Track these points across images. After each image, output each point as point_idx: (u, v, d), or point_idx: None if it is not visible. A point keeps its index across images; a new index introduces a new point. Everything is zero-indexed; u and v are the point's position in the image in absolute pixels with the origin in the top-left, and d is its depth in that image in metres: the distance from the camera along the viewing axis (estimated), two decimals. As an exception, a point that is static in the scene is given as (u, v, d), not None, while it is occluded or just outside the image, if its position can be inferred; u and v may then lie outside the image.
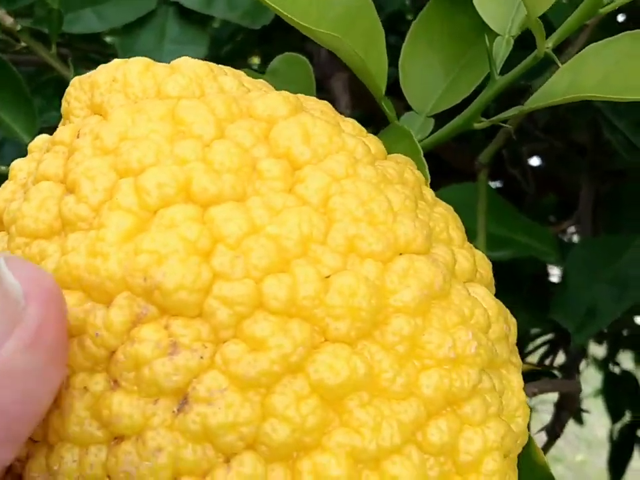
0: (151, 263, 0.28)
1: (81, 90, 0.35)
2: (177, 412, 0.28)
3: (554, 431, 0.77)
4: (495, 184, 1.13)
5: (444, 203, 0.38)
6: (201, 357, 0.28)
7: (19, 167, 0.35)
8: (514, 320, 0.38)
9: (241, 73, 0.38)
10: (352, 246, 0.30)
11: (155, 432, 0.28)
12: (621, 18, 0.95)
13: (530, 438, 0.50)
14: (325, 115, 0.35)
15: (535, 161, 1.17)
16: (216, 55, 1.01)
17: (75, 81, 0.36)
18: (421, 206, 0.34)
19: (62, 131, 0.34)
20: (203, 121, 0.31)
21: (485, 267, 0.37)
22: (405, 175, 0.35)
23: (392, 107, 0.48)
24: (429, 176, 0.42)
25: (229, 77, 0.35)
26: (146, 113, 0.32)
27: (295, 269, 0.29)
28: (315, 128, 0.32)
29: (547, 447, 0.79)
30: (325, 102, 0.38)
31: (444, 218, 0.35)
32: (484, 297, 0.33)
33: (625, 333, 1.24)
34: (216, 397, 0.27)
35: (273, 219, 0.29)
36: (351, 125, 0.36)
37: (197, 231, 0.28)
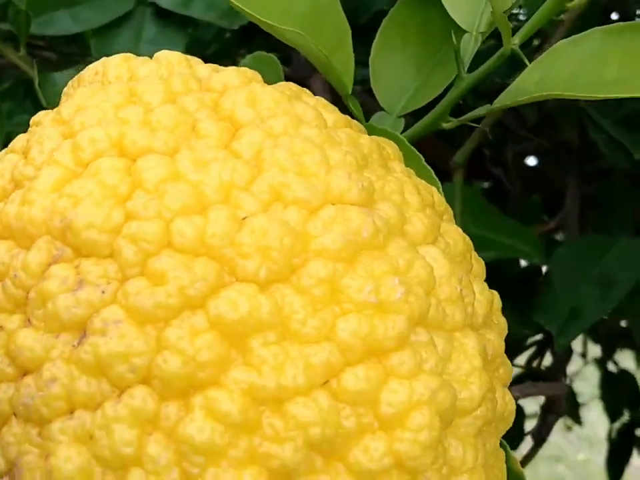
0: (68, 206, 0.29)
1: (70, 87, 0.37)
2: (76, 346, 0.28)
3: (540, 434, 0.76)
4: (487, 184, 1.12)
5: (418, 179, 0.38)
6: (103, 292, 0.28)
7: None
8: (495, 293, 0.37)
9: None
10: (277, 194, 0.30)
11: (51, 364, 0.28)
12: (615, 16, 0.94)
13: (504, 445, 0.49)
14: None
15: (531, 161, 1.16)
16: (201, 56, 1.00)
17: (69, 82, 0.38)
18: (372, 167, 0.34)
19: (42, 114, 0.35)
20: (153, 90, 0.33)
21: (457, 238, 0.35)
22: (361, 140, 0.35)
23: (358, 105, 0.47)
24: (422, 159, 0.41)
25: (204, 66, 0.37)
26: (106, 89, 0.33)
27: (209, 212, 0.29)
28: (263, 94, 0.33)
29: (533, 451, 0.77)
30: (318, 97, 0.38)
31: (399, 182, 0.34)
32: (435, 257, 0.32)
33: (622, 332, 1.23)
34: (110, 328, 0.27)
35: (196, 168, 0.30)
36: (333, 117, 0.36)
37: (118, 177, 0.29)
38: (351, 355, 0.29)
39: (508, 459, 0.49)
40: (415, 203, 0.34)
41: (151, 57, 0.62)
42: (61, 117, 0.33)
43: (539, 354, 0.98)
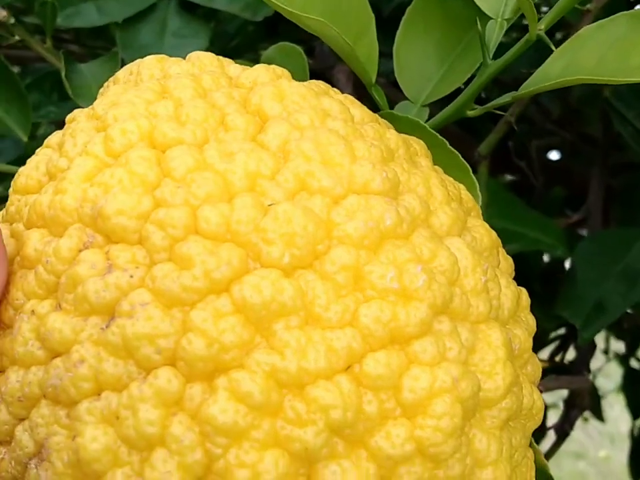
0: (99, 193, 0.30)
1: (106, 86, 0.38)
2: (105, 328, 0.28)
3: (563, 428, 0.75)
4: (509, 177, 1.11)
5: (445, 175, 0.38)
6: (131, 276, 0.29)
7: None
8: (524, 290, 0.37)
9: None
10: (302, 183, 0.31)
11: (80, 345, 0.29)
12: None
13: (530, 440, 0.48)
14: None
15: (554, 155, 1.15)
16: (224, 48, 1.00)
17: (106, 82, 0.39)
18: (397, 161, 0.34)
19: (77, 112, 0.36)
20: (183, 86, 0.34)
21: (483, 232, 0.36)
22: (387, 135, 0.36)
23: (382, 94, 0.47)
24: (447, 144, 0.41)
25: (235, 65, 0.38)
26: (138, 86, 0.35)
27: (235, 199, 0.30)
28: (291, 89, 0.34)
29: (556, 446, 0.76)
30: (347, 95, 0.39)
31: (425, 176, 0.35)
32: (460, 249, 0.33)
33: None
34: (137, 310, 0.28)
35: (223, 158, 0.31)
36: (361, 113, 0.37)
37: (146, 166, 0.30)
38: (373, 341, 0.29)
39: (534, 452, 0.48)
40: (440, 196, 0.34)
41: (176, 49, 0.63)
42: (95, 112, 0.34)
43: (562, 348, 0.97)
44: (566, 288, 0.72)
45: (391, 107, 0.49)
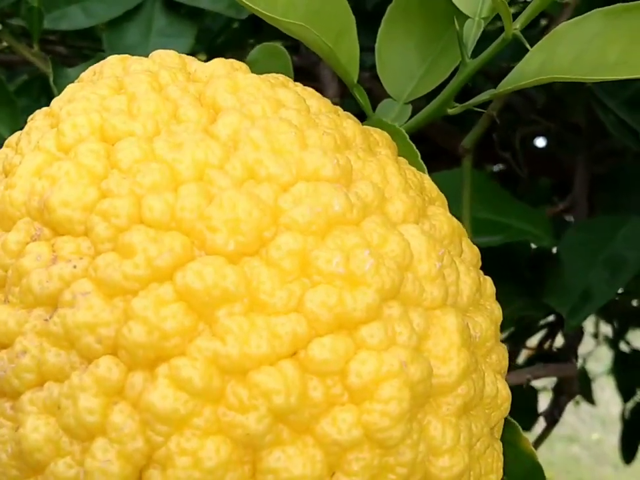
0: (46, 186, 0.30)
1: (70, 87, 0.38)
2: (48, 319, 0.28)
3: (552, 415, 0.76)
4: (498, 167, 1.12)
5: (407, 165, 0.38)
6: (74, 267, 0.29)
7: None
8: (489, 279, 0.37)
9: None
10: (250, 171, 0.30)
11: (23, 337, 0.29)
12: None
13: (515, 426, 0.49)
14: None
15: (540, 142, 1.15)
16: (210, 46, 1.00)
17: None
18: (353, 149, 0.34)
19: (37, 112, 0.37)
20: (137, 81, 0.34)
21: (443, 220, 0.36)
22: (344, 124, 0.36)
23: (364, 95, 0.48)
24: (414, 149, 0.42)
25: (197, 62, 0.37)
26: (95, 83, 0.34)
27: (181, 188, 0.29)
28: (245, 80, 0.34)
29: (545, 433, 0.77)
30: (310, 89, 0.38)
31: (381, 163, 0.34)
32: (414, 235, 0.32)
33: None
34: (78, 299, 0.28)
35: (171, 148, 0.30)
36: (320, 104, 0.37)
37: (94, 158, 0.30)
38: (320, 326, 0.29)
39: (519, 440, 0.49)
40: (397, 184, 0.34)
41: (161, 48, 0.63)
42: (51, 110, 0.35)
43: (550, 335, 0.98)
44: (552, 277, 0.72)
45: (376, 100, 0.50)
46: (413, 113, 0.50)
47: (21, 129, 0.61)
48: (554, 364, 0.70)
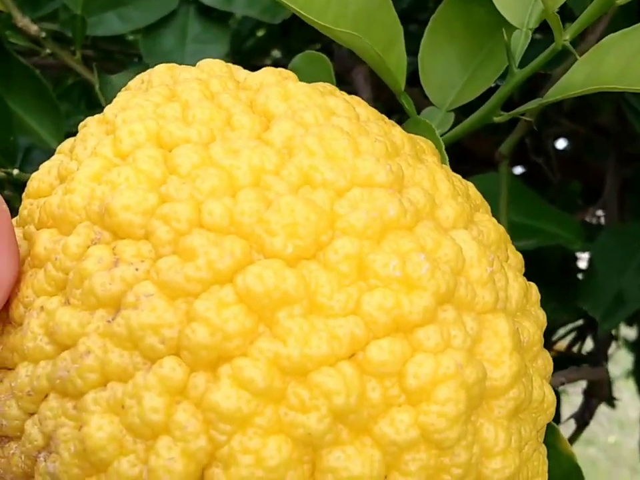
0: (106, 191, 0.31)
1: (119, 95, 0.39)
2: (111, 321, 0.29)
3: (583, 418, 0.77)
4: (519, 169, 1.12)
5: (453, 172, 0.39)
6: (136, 269, 0.29)
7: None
8: (534, 285, 0.38)
9: None
10: (306, 177, 0.31)
11: (86, 337, 0.29)
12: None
13: (555, 428, 0.49)
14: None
15: (561, 143, 1.16)
16: (237, 51, 1.01)
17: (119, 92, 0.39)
18: (403, 156, 0.35)
19: (89, 118, 0.37)
20: (190, 89, 0.34)
21: (490, 227, 0.36)
22: (392, 132, 0.36)
23: (411, 102, 0.49)
24: (447, 161, 0.42)
25: (243, 71, 0.38)
26: (147, 91, 0.35)
27: (239, 193, 0.30)
28: (296, 89, 0.35)
29: (576, 434, 0.78)
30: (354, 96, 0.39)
31: (430, 170, 0.35)
32: (465, 240, 0.33)
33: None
34: (141, 301, 0.28)
35: (228, 155, 0.31)
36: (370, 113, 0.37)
37: (152, 163, 0.31)
38: (377, 329, 0.29)
39: (559, 441, 0.50)
40: (446, 190, 0.35)
41: (197, 54, 0.64)
42: (105, 117, 0.35)
43: (579, 339, 0.99)
44: (585, 281, 0.73)
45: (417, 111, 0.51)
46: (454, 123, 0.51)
47: (66, 136, 0.63)
48: (587, 367, 0.71)
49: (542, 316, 0.37)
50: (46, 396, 0.30)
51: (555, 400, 0.36)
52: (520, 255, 0.39)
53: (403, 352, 0.29)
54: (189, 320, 0.28)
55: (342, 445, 0.28)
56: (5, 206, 0.32)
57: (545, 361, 0.37)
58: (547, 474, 0.37)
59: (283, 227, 0.29)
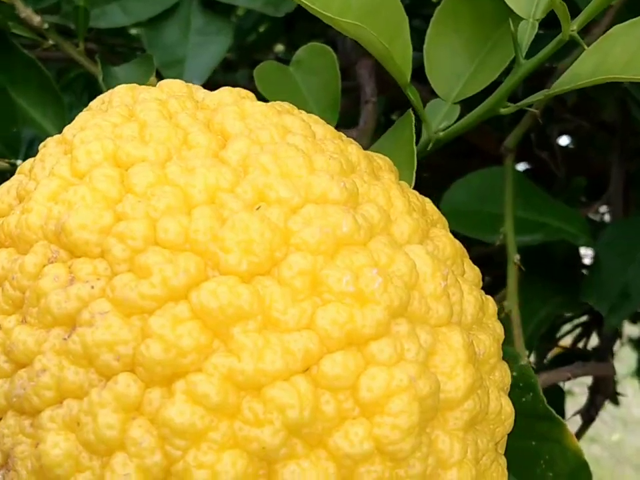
0: (62, 210, 0.31)
1: (79, 116, 0.39)
2: (67, 338, 0.29)
3: (589, 414, 0.77)
4: (522, 166, 1.12)
5: (409, 189, 0.39)
6: (92, 287, 0.30)
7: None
8: (490, 298, 0.39)
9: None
10: (260, 194, 0.32)
11: (42, 355, 0.30)
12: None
13: (561, 424, 0.49)
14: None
15: (563, 141, 1.16)
16: (240, 45, 1.01)
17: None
18: (358, 173, 0.36)
19: (49, 139, 0.38)
20: (148, 109, 0.35)
21: (445, 242, 0.37)
22: (349, 149, 0.37)
23: (417, 94, 0.48)
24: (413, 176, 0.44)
25: (203, 91, 0.39)
26: (106, 111, 0.36)
27: (194, 211, 0.31)
28: (253, 108, 0.36)
29: (581, 431, 0.78)
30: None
31: (385, 187, 0.36)
32: (419, 255, 0.34)
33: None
34: (96, 318, 0.29)
35: (184, 173, 0.32)
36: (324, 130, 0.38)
37: (108, 182, 0.32)
38: (331, 343, 0.30)
39: (565, 437, 0.50)
40: (401, 206, 0.35)
41: (200, 46, 0.64)
42: (64, 137, 0.36)
43: (584, 335, 0.98)
44: (591, 276, 0.73)
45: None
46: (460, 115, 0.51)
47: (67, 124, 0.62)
48: (593, 363, 0.70)
49: (499, 329, 0.38)
50: (4, 414, 0.31)
51: (513, 412, 0.37)
52: (477, 269, 0.39)
53: (357, 365, 0.30)
54: (143, 337, 0.29)
55: (297, 459, 0.29)
56: None
57: (503, 373, 0.37)
58: None
59: (237, 243, 0.30)
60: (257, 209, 0.31)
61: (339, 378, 0.29)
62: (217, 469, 0.28)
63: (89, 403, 0.29)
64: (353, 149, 0.37)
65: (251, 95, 0.39)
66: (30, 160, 0.37)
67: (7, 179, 0.65)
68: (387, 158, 0.41)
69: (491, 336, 0.36)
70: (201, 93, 0.39)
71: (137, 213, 0.30)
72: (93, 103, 0.39)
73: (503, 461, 0.37)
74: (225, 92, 0.38)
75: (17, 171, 0.38)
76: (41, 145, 0.38)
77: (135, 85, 0.39)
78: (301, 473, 0.29)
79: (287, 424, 0.28)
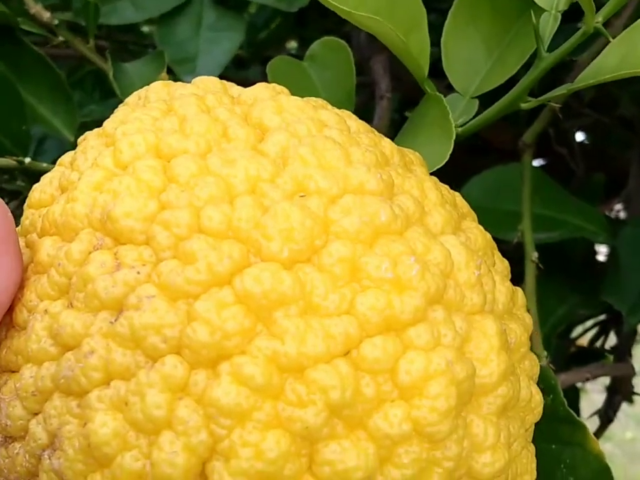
0: (107, 199, 0.32)
1: (116, 111, 0.40)
2: (114, 322, 0.31)
3: (607, 414, 0.75)
4: (539, 161, 1.11)
5: (440, 183, 0.40)
6: (138, 273, 0.31)
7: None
8: (519, 290, 0.39)
9: None
10: (300, 185, 0.33)
11: (90, 338, 0.31)
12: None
13: (585, 429, 0.49)
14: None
15: (580, 136, 1.14)
16: (253, 41, 1.00)
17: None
18: (392, 166, 0.37)
19: (88, 133, 0.39)
20: (187, 104, 0.36)
21: (477, 233, 0.38)
22: (382, 143, 0.38)
23: (434, 88, 0.48)
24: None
25: (237, 87, 0.40)
26: (146, 106, 0.37)
27: (236, 200, 0.32)
28: (289, 103, 0.37)
29: (599, 431, 0.77)
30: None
31: (419, 179, 0.37)
32: (453, 245, 0.35)
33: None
34: (143, 302, 0.30)
35: (225, 164, 0.33)
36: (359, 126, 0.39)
37: (152, 173, 0.33)
38: (370, 327, 0.31)
39: (588, 441, 0.49)
40: (434, 198, 0.37)
41: (212, 42, 0.65)
42: (104, 131, 0.37)
43: (602, 334, 0.97)
44: (610, 274, 0.72)
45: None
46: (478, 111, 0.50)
47: (80, 126, 0.62)
48: (612, 363, 0.69)
49: (528, 319, 0.39)
50: (50, 395, 0.32)
51: (542, 401, 0.38)
52: (506, 262, 0.40)
53: (395, 349, 0.31)
54: (189, 320, 0.30)
55: (338, 439, 0.30)
56: (9, 214, 0.33)
57: (532, 362, 0.38)
58: (535, 472, 0.38)
59: (279, 231, 0.31)
60: (301, 196, 0.32)
61: (378, 361, 0.30)
62: (262, 447, 0.29)
63: (136, 384, 0.30)
64: (386, 142, 0.39)
65: (286, 90, 0.40)
66: (70, 153, 0.38)
67: (15, 177, 0.64)
68: (417, 153, 0.41)
69: (521, 325, 0.37)
70: (236, 89, 0.40)
71: (181, 202, 0.31)
72: (129, 99, 0.40)
73: (532, 448, 0.38)
74: (261, 87, 0.39)
75: (57, 163, 0.39)
76: (80, 138, 0.39)
77: (169, 81, 0.40)
78: (341, 452, 0.30)
79: (329, 404, 0.29)
